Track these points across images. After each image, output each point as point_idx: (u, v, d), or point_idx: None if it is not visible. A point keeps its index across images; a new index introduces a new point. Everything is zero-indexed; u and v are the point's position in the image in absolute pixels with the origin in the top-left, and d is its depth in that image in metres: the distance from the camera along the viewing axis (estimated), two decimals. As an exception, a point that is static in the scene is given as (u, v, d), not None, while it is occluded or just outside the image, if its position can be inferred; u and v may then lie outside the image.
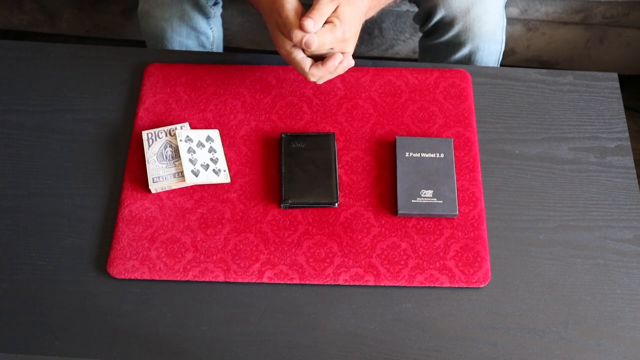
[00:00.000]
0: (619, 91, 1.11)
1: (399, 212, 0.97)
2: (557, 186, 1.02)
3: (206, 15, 1.30)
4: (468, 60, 1.24)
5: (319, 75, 0.99)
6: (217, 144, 1.03)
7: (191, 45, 1.33)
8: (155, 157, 1.01)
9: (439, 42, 1.24)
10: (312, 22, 0.92)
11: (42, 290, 0.93)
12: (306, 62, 0.97)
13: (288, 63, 1.02)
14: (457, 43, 1.22)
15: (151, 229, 0.97)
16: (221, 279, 0.94)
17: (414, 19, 1.28)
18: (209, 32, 1.33)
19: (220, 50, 1.43)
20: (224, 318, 0.92)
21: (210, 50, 1.37)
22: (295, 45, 0.96)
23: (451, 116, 1.07)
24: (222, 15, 1.38)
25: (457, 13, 1.18)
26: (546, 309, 0.93)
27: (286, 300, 0.93)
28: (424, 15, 1.22)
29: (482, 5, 1.18)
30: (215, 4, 1.30)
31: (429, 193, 0.98)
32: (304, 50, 0.96)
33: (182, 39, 1.31)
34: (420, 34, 1.31)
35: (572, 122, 1.08)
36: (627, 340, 0.91)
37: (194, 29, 1.30)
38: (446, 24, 1.20)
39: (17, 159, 1.04)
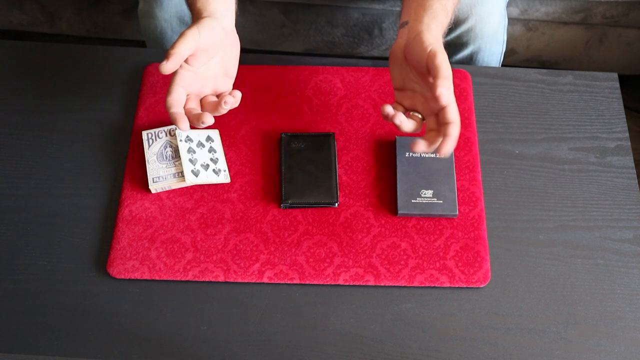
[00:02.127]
0: (619, 91, 1.11)
1: (399, 212, 0.97)
2: (557, 186, 1.02)
3: None
4: (470, 60, 1.24)
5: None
6: (217, 144, 1.03)
7: None
8: (155, 157, 1.01)
9: None
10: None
11: (42, 290, 0.93)
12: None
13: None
14: (459, 44, 1.22)
15: (151, 229, 0.97)
16: (221, 279, 0.94)
17: None
18: None
19: (220, 50, 1.43)
20: (224, 318, 0.92)
21: (210, 50, 1.37)
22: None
23: (451, 116, 1.07)
24: None
25: (460, 14, 1.17)
26: (546, 309, 0.93)
27: (286, 300, 0.93)
28: None
29: (484, 5, 1.17)
30: None
31: (429, 193, 0.98)
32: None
33: None
34: None
35: (572, 122, 1.08)
36: (627, 340, 0.91)
37: None
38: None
39: (17, 159, 1.04)
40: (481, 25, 1.19)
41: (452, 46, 1.23)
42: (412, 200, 0.98)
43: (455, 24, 1.19)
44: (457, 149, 1.03)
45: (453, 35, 1.21)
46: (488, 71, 1.13)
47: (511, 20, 1.63)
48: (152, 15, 1.28)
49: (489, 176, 1.03)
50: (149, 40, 1.34)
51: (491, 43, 1.22)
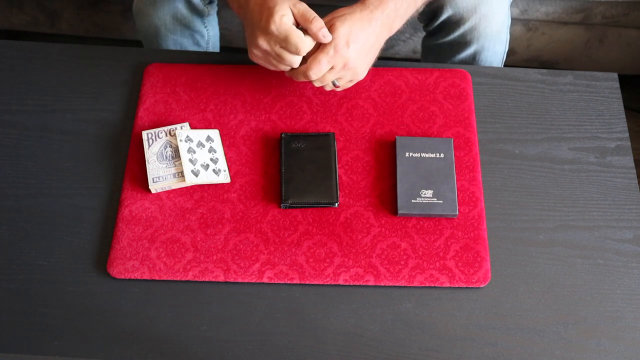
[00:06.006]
0: (619, 91, 1.11)
1: (399, 212, 0.97)
2: (557, 186, 1.02)
3: (200, 14, 1.29)
4: (472, 60, 1.24)
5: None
6: (217, 144, 1.03)
7: (186, 43, 1.32)
8: (155, 157, 1.01)
9: (443, 41, 1.23)
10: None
11: (42, 290, 0.93)
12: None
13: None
14: (462, 43, 1.21)
15: (151, 229, 0.97)
16: (221, 279, 0.94)
17: (418, 18, 1.25)
18: (203, 31, 1.33)
19: (217, 49, 1.42)
20: (224, 318, 0.92)
21: (206, 49, 1.37)
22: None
23: (451, 116, 1.07)
24: (218, 14, 1.37)
25: (464, 12, 1.17)
26: (546, 309, 0.93)
27: (286, 300, 0.93)
28: (430, 14, 1.21)
29: (488, 4, 1.17)
30: (210, 2, 1.29)
31: (429, 193, 0.98)
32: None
33: (176, 37, 1.30)
34: (423, 34, 1.31)
35: (572, 122, 1.08)
36: (627, 340, 0.91)
37: (188, 27, 1.29)
38: (453, 23, 1.19)
39: (17, 159, 1.04)
40: (485, 24, 1.18)
41: (455, 45, 1.23)
42: (412, 200, 0.98)
43: (458, 22, 1.18)
44: (457, 148, 1.04)
45: (456, 33, 1.20)
46: (488, 71, 1.13)
47: (511, 20, 1.62)
48: (146, 13, 1.28)
49: (489, 176, 1.03)
50: (144, 38, 1.34)
51: (494, 42, 1.22)
